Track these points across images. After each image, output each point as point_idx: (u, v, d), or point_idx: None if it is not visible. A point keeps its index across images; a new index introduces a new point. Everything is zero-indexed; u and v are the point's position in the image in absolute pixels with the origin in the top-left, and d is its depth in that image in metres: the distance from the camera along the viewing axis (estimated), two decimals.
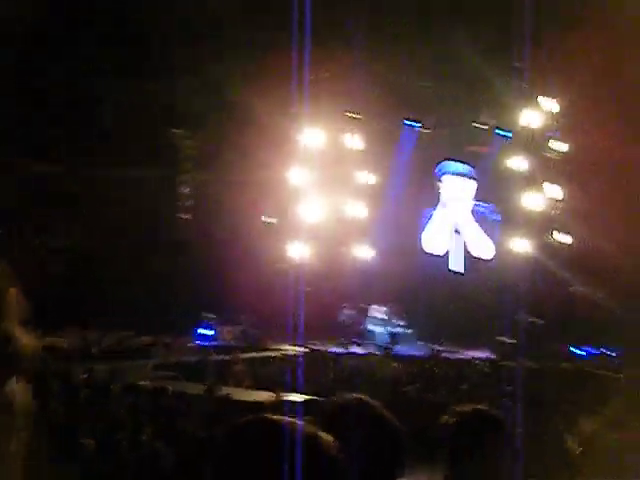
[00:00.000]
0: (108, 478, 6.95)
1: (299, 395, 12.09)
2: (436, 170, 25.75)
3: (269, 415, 1.55)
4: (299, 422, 1.55)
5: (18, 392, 2.31)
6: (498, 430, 2.74)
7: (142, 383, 10.68)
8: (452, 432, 2.76)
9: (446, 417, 2.80)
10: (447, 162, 25.64)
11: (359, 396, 2.18)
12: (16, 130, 22.85)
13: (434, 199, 25.90)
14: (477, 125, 23.65)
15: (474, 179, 25.36)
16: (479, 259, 24.82)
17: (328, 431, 2.00)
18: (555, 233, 22.38)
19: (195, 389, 12.42)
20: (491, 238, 24.71)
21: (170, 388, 10.08)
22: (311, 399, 11.21)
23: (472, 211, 25.32)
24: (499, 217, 24.75)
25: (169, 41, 24.67)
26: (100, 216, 26.09)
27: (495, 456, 2.68)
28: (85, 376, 11.81)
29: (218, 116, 24.79)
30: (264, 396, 10.76)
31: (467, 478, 2.71)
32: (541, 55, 19.29)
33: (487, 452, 2.68)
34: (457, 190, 25.32)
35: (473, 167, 25.33)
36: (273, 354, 18.11)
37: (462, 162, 25.55)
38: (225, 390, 11.54)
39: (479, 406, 2.96)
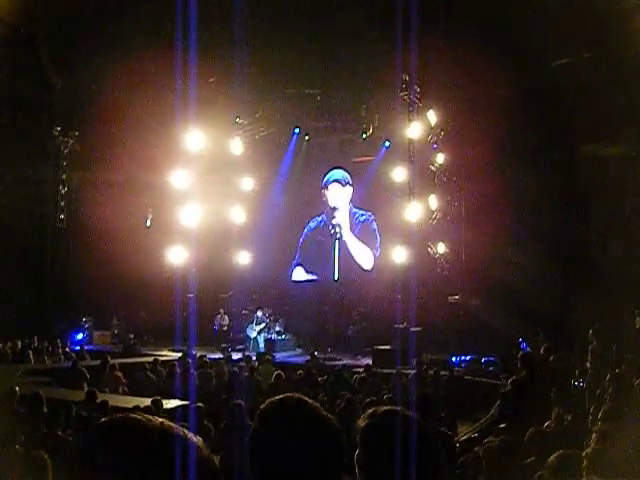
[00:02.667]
0: None
1: (177, 401, 11.87)
2: (323, 178, 25.89)
3: (138, 415, 1.47)
4: (170, 424, 1.48)
5: None
6: (410, 430, 2.70)
7: (14, 389, 10.11)
8: (363, 434, 2.70)
9: (359, 420, 2.74)
10: (332, 170, 25.82)
11: (298, 395, 2.13)
12: None
13: (319, 207, 26.00)
14: (362, 134, 23.95)
15: (350, 185, 25.63)
16: (359, 267, 25.09)
17: (269, 430, 1.95)
18: (432, 242, 22.90)
19: (69, 395, 11.97)
20: (371, 246, 25.04)
21: (43, 395, 9.58)
22: (188, 405, 11.04)
23: (353, 219, 25.57)
24: (376, 225, 25.13)
25: (48, 38, 23.84)
26: None
27: (407, 457, 2.64)
28: None
29: (98, 115, 24.09)
30: (142, 402, 10.46)
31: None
32: (425, 68, 19.81)
33: (399, 453, 2.63)
34: (339, 198, 25.50)
35: (350, 175, 25.59)
36: (149, 359, 17.67)
37: (341, 169, 25.77)
38: (102, 396, 11.14)
39: (390, 407, 2.91)
